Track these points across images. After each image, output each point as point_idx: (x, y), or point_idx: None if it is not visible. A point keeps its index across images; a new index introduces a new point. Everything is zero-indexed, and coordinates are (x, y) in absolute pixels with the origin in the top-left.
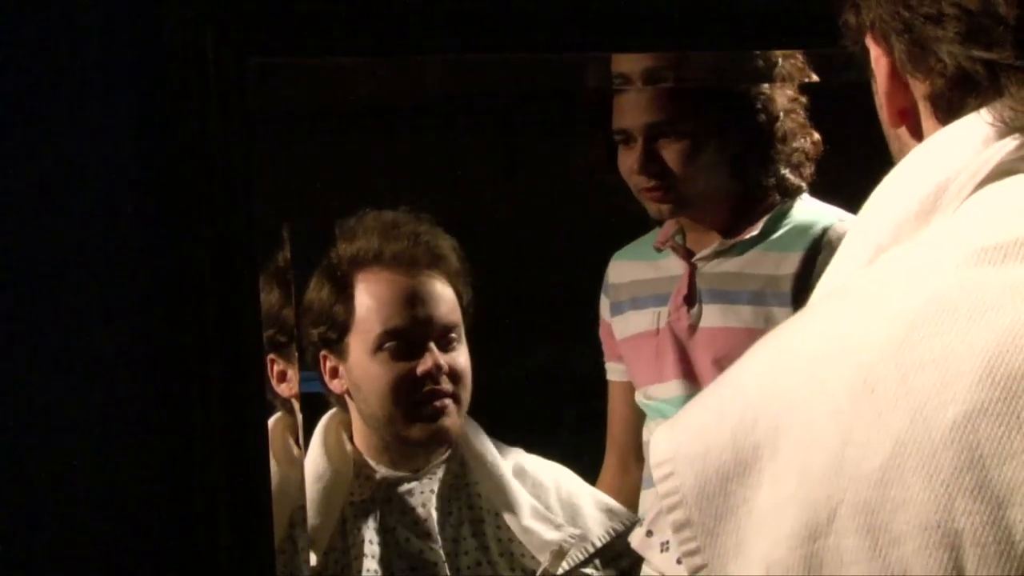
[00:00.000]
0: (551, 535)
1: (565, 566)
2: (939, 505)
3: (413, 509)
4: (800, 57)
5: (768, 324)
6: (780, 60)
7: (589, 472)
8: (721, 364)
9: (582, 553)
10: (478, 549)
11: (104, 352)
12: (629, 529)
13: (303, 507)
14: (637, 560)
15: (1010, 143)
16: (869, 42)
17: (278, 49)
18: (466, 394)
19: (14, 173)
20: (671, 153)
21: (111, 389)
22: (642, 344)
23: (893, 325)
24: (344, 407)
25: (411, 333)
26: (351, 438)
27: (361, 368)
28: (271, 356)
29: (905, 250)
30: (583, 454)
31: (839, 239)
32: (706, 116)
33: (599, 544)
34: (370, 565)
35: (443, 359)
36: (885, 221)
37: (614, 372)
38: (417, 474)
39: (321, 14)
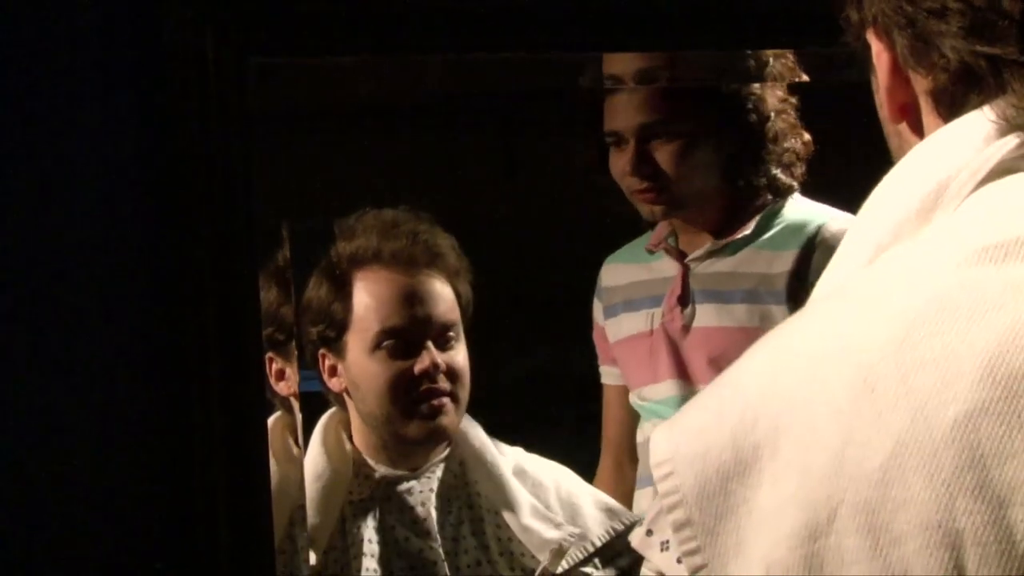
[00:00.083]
0: (551, 534)
1: (565, 565)
2: (940, 505)
3: (412, 508)
4: (791, 57)
5: (763, 322)
6: (771, 60)
7: (588, 472)
8: (715, 363)
9: (582, 552)
10: (478, 548)
11: (104, 352)
12: (629, 528)
13: (303, 506)
14: (637, 559)
15: (1011, 141)
16: (870, 37)
17: (278, 49)
18: (464, 393)
19: (14, 173)
20: (663, 154)
21: (111, 389)
22: (636, 345)
23: (893, 324)
24: (343, 406)
25: (409, 332)
26: (350, 437)
27: (359, 366)
28: (269, 355)
29: (905, 249)
30: (582, 454)
31: (832, 237)
32: (698, 117)
33: (599, 543)
34: (369, 564)
35: (441, 358)
36: (885, 220)
37: (608, 375)
38: (416, 473)
39: (321, 14)
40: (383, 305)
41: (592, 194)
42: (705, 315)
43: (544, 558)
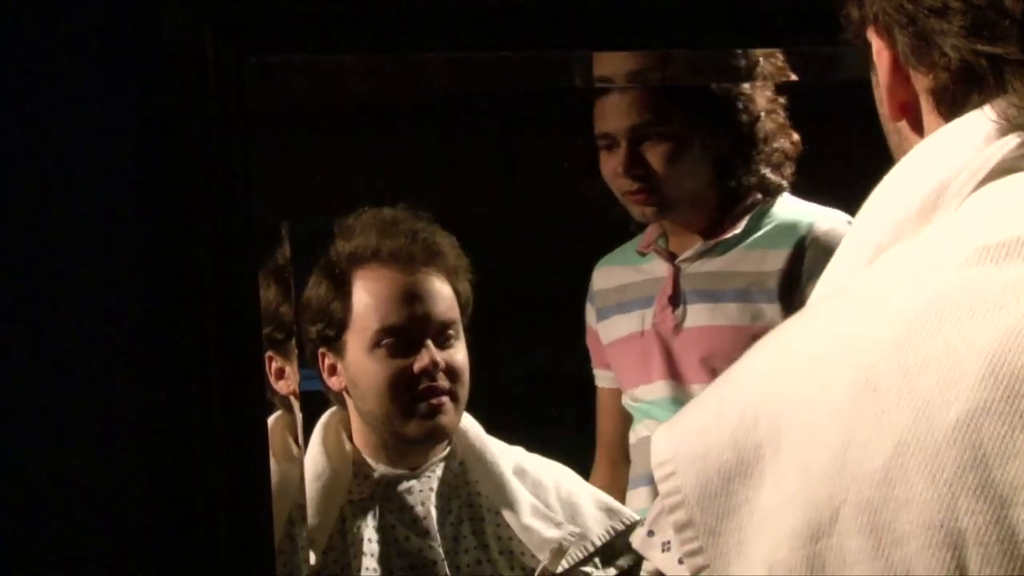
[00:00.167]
0: (551, 533)
1: (565, 564)
2: (942, 504)
3: (412, 507)
4: (780, 57)
5: (754, 321)
6: (760, 60)
7: (588, 471)
8: (707, 363)
9: (582, 551)
10: (478, 547)
11: (104, 352)
12: (629, 528)
13: (302, 506)
14: (637, 559)
15: (1012, 140)
16: (871, 35)
17: (277, 48)
18: (464, 391)
19: (14, 173)
20: (654, 155)
21: (111, 388)
22: (628, 347)
23: (894, 324)
24: (343, 405)
25: (408, 330)
26: (350, 437)
27: (358, 365)
28: (269, 353)
29: (906, 249)
30: (582, 453)
31: (822, 235)
32: (689, 118)
33: (599, 543)
34: (369, 564)
35: (440, 356)
36: (886, 219)
37: (602, 379)
38: (416, 472)
39: (320, 13)
40: (382, 303)
41: (591, 195)
42: (696, 315)
43: (544, 557)
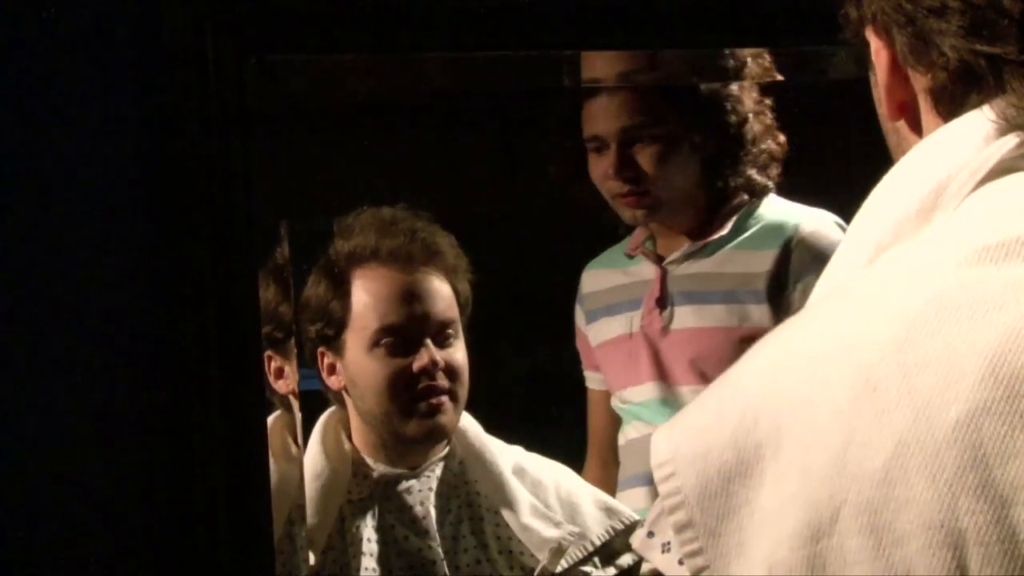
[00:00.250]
0: (550, 533)
1: (564, 564)
2: (942, 504)
3: (411, 507)
4: (767, 57)
5: (742, 322)
6: (748, 60)
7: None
8: (695, 364)
9: (581, 551)
10: (477, 547)
11: (104, 352)
12: (628, 528)
13: (302, 506)
14: (636, 558)
15: (1011, 140)
16: (870, 35)
17: (277, 47)
18: (463, 391)
19: (14, 173)
20: (645, 157)
21: (111, 388)
22: (616, 349)
23: (894, 324)
24: (342, 404)
25: (407, 329)
26: (349, 437)
27: (358, 364)
28: (268, 353)
29: (905, 249)
30: (581, 452)
31: (809, 236)
32: (678, 119)
33: (598, 542)
34: (368, 564)
35: (439, 355)
36: (885, 219)
37: (592, 380)
38: (415, 472)
39: (320, 13)
40: (381, 303)
41: (580, 198)
42: (684, 316)
43: (543, 557)
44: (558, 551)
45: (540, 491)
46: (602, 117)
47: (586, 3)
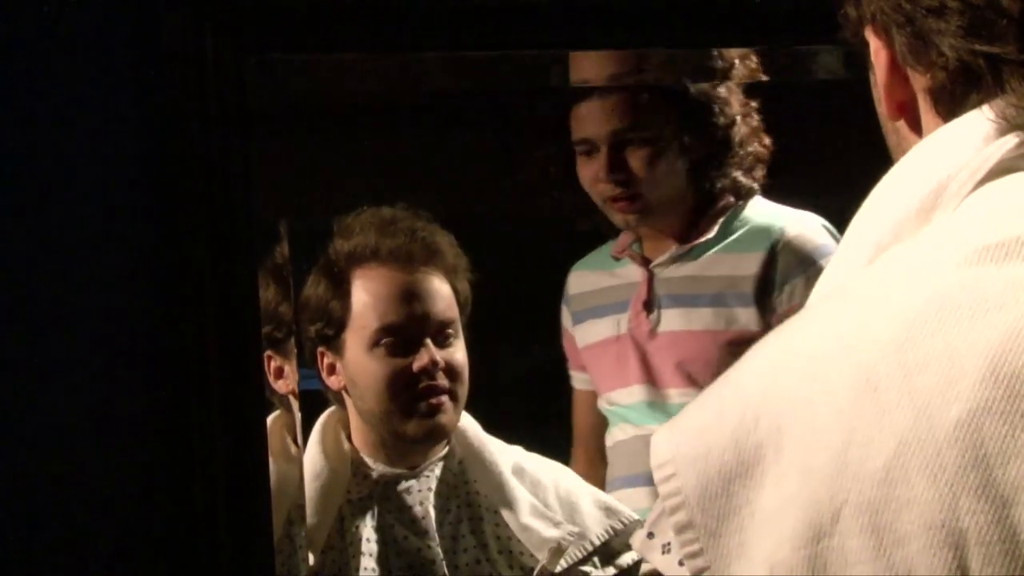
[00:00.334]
0: (550, 533)
1: (563, 564)
2: (943, 504)
3: (411, 507)
4: (754, 58)
5: (729, 325)
6: (736, 62)
7: None
8: (682, 368)
9: (580, 551)
10: (476, 547)
11: (104, 352)
12: (627, 527)
13: (301, 506)
14: (636, 558)
15: (1011, 140)
16: (869, 34)
17: (276, 46)
18: (463, 390)
19: (14, 173)
20: (636, 160)
21: (111, 388)
22: (603, 351)
23: (894, 324)
24: (342, 404)
25: (407, 329)
26: (349, 437)
27: (357, 364)
28: (268, 352)
29: (905, 249)
30: None
31: (795, 239)
32: (669, 121)
33: (597, 542)
34: (368, 563)
35: (439, 355)
36: (885, 219)
37: (578, 381)
38: (415, 471)
39: (319, 11)
40: (381, 302)
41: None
42: (671, 319)
43: (543, 557)
44: (557, 551)
45: (539, 491)
46: (592, 119)
47: (587, 3)
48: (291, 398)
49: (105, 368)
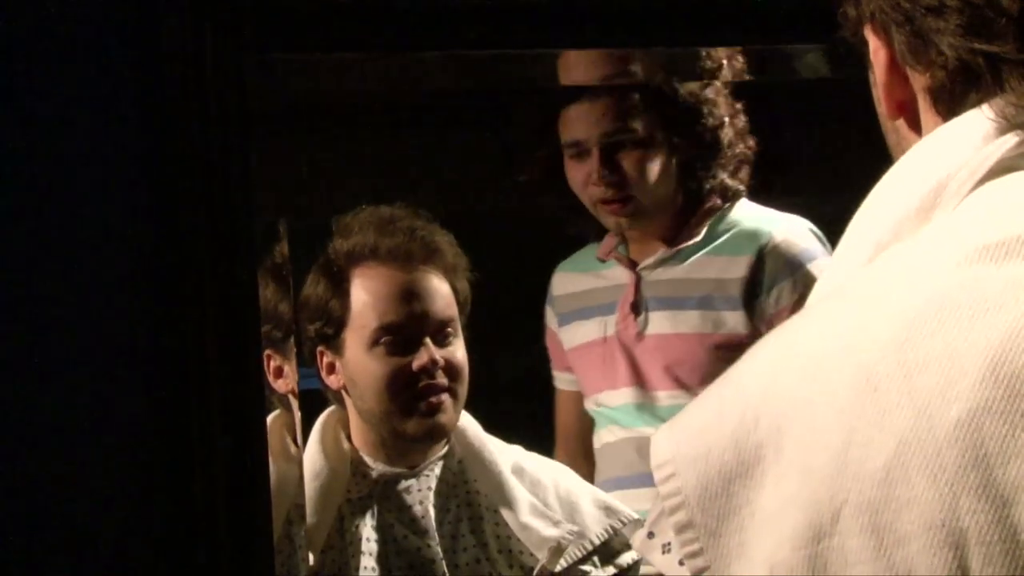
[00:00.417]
0: (549, 532)
1: (563, 563)
2: (944, 504)
3: (410, 507)
4: (741, 59)
5: (717, 328)
6: (724, 62)
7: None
8: (670, 371)
9: (580, 550)
10: (476, 546)
11: (104, 351)
12: (627, 527)
13: (301, 505)
14: (635, 557)
15: (1011, 139)
16: (868, 33)
17: (276, 46)
18: (463, 389)
19: (14, 173)
20: (629, 161)
21: (111, 388)
22: (590, 353)
23: (894, 324)
24: (341, 403)
25: (407, 328)
26: (348, 436)
27: (357, 363)
28: (268, 352)
29: (905, 248)
30: None
31: (783, 242)
32: (659, 122)
33: (597, 541)
34: (368, 563)
35: (439, 354)
36: (885, 218)
37: (561, 381)
38: (414, 471)
39: (319, 11)
40: (380, 301)
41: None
42: (658, 322)
43: (542, 556)
44: (557, 550)
45: (539, 490)
46: (583, 121)
47: (587, 2)
48: (291, 397)
49: (105, 368)
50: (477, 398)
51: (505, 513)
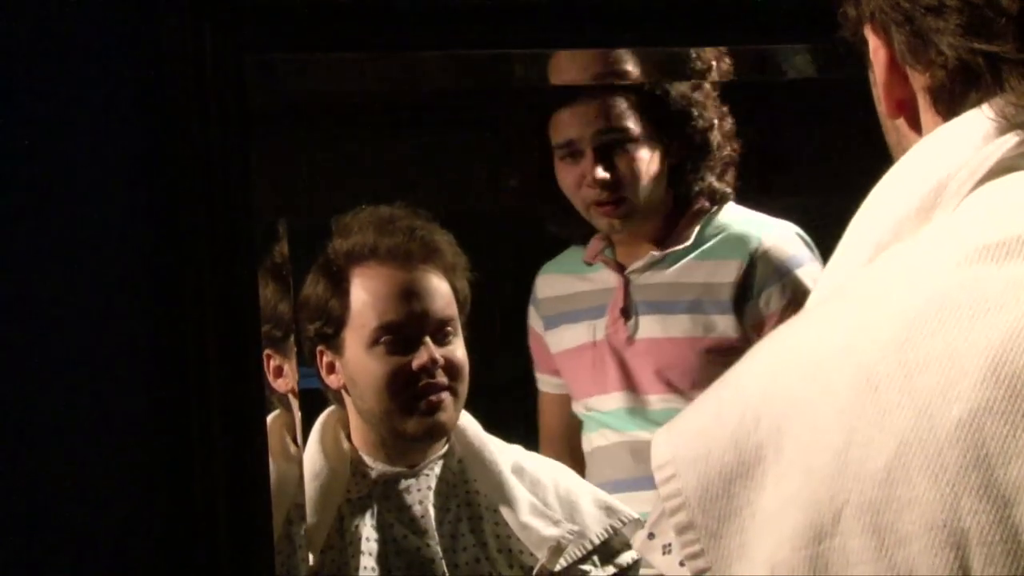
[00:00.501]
0: (549, 531)
1: (563, 563)
2: (945, 504)
3: (410, 506)
4: (728, 60)
5: (708, 332)
6: (714, 63)
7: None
8: (662, 375)
9: (580, 550)
10: (476, 546)
11: (104, 350)
12: (627, 526)
13: (301, 505)
14: (635, 557)
15: (1011, 139)
16: (868, 33)
17: (276, 46)
18: (463, 388)
19: (14, 173)
20: (623, 162)
21: (110, 387)
22: (579, 356)
23: (894, 324)
24: (341, 403)
25: (406, 327)
26: (348, 436)
27: (357, 363)
28: (267, 351)
29: (905, 248)
30: None
31: (772, 247)
32: (651, 123)
33: (597, 541)
34: (367, 563)
35: (439, 353)
36: (885, 219)
37: (545, 383)
38: (414, 470)
39: (319, 11)
40: (380, 301)
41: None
42: (649, 326)
43: (542, 555)
44: (557, 550)
45: (539, 490)
46: (576, 121)
47: (587, 2)
48: (290, 397)
49: (105, 367)
50: (477, 398)
51: (505, 512)
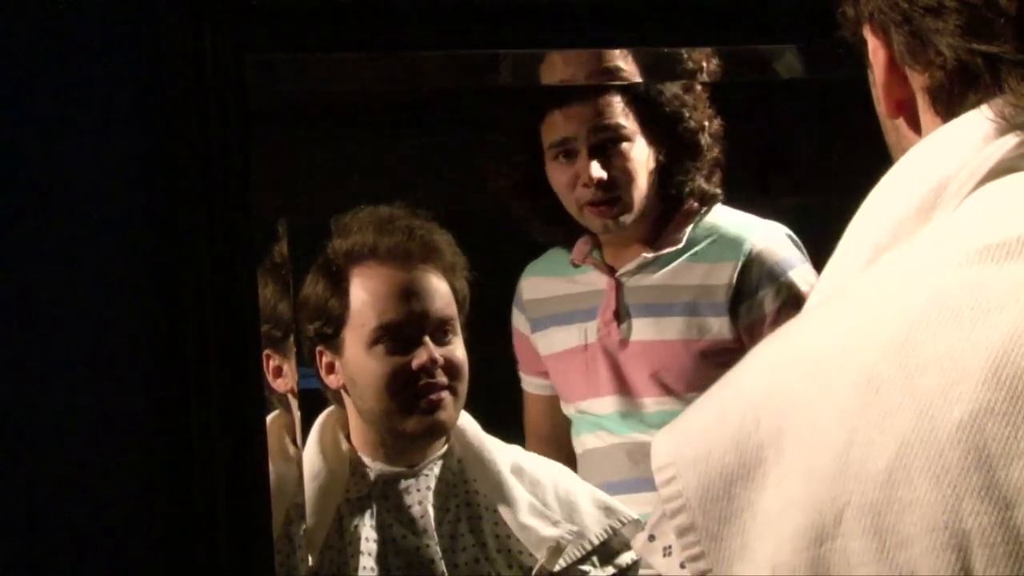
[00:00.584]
0: (548, 532)
1: (562, 563)
2: (946, 506)
3: (409, 506)
4: (717, 61)
5: (702, 334)
6: (704, 64)
7: None
8: (656, 378)
9: (579, 550)
10: (475, 546)
11: (104, 350)
12: (626, 527)
13: (300, 505)
14: (634, 557)
15: (1010, 140)
16: (867, 33)
17: (276, 46)
18: (463, 387)
19: (14, 173)
20: (618, 161)
21: (110, 387)
22: (570, 359)
23: (895, 325)
24: (341, 403)
25: (406, 327)
26: (347, 436)
27: (357, 363)
28: (267, 351)
29: (905, 249)
30: None
31: (765, 249)
32: (645, 123)
33: (596, 541)
34: (367, 562)
35: (438, 352)
36: (884, 220)
37: (531, 385)
38: (413, 470)
39: (319, 11)
40: (379, 301)
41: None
42: (642, 329)
43: (542, 556)
44: (556, 550)
45: (538, 490)
46: (571, 120)
47: (587, 2)
48: (290, 397)
49: (105, 367)
50: (477, 398)
51: (504, 513)
